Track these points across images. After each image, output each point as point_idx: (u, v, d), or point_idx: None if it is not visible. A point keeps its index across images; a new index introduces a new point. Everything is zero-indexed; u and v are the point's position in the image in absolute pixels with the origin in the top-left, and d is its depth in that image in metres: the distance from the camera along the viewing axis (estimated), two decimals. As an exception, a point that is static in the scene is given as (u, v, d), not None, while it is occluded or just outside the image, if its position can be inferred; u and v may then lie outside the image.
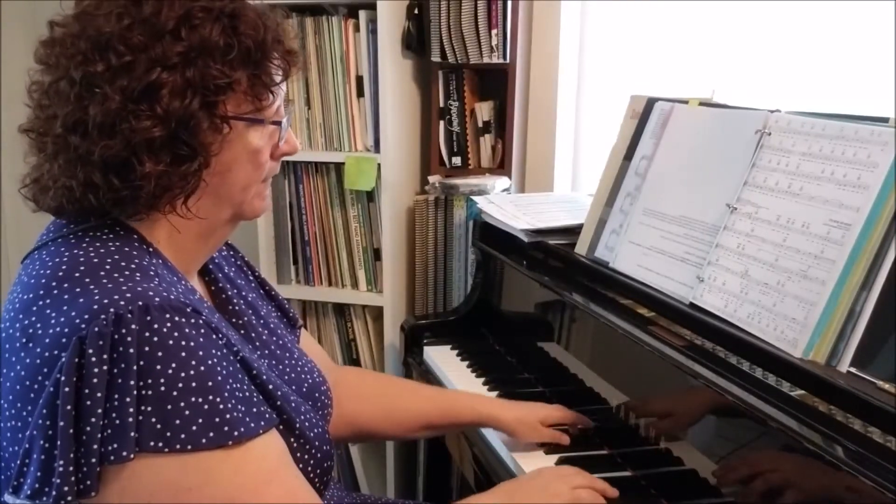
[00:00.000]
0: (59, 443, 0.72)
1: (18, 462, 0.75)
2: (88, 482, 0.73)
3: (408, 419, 1.23)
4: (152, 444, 0.73)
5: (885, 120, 0.98)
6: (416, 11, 1.91)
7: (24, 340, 0.77)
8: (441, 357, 1.65)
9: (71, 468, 0.72)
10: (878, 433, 0.80)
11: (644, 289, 1.21)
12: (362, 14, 1.85)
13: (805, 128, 1.05)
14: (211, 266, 1.02)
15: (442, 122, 1.98)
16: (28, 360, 0.76)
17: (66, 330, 0.75)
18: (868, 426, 0.81)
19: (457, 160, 2.00)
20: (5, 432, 0.79)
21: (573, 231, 1.46)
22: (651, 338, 1.12)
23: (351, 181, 1.91)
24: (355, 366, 2.09)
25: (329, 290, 2.06)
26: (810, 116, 1.06)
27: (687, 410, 1.08)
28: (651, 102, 1.36)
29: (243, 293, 1.04)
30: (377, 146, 1.90)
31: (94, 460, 0.72)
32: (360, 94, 1.91)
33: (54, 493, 0.72)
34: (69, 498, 0.73)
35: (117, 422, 0.73)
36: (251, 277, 1.11)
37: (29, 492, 0.74)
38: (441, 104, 1.97)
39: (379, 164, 1.89)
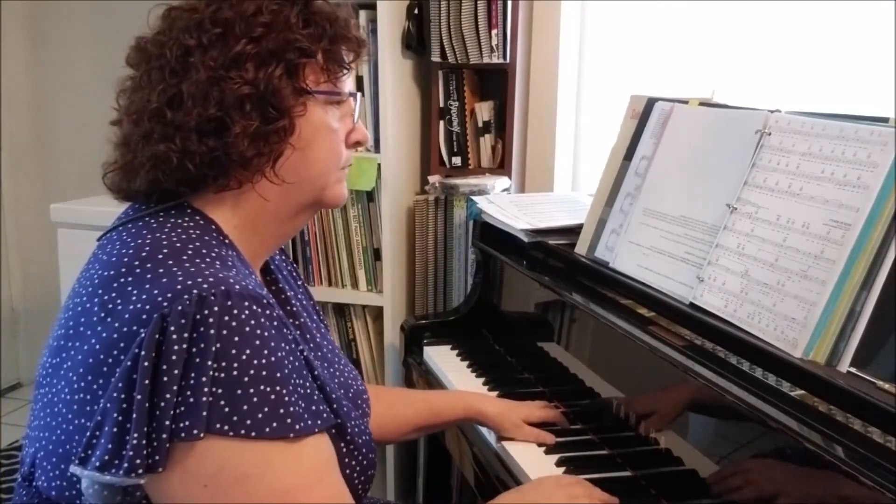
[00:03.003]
0: (134, 416, 0.73)
1: (88, 434, 0.76)
2: (157, 457, 0.74)
3: (401, 424, 1.27)
4: (218, 426, 0.74)
5: (885, 120, 0.98)
6: (416, 11, 1.91)
7: (102, 315, 0.79)
8: (441, 357, 1.65)
9: (143, 441, 0.73)
10: (878, 433, 0.80)
11: (644, 289, 1.21)
12: (362, 14, 1.85)
13: (805, 128, 1.05)
14: (272, 266, 1.05)
15: (442, 122, 1.98)
16: (105, 334, 0.78)
17: (148, 307, 0.76)
18: (868, 426, 0.81)
19: (457, 160, 2.00)
20: (71, 405, 0.80)
21: (573, 231, 1.46)
22: (651, 338, 1.12)
23: (351, 181, 1.90)
24: (355, 367, 2.08)
25: (329, 290, 2.05)
26: (810, 116, 1.06)
27: (682, 403, 1.08)
28: (651, 102, 1.36)
29: (298, 295, 1.07)
30: (377, 146, 1.90)
31: (164, 436, 0.73)
32: (360, 93, 1.90)
33: (126, 464, 0.73)
34: (140, 471, 0.73)
35: (191, 400, 0.74)
36: (299, 283, 1.14)
37: (98, 463, 0.74)
38: (441, 104, 1.97)
39: (379, 164, 1.89)
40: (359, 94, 0.99)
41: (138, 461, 0.73)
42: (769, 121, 1.11)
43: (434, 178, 1.96)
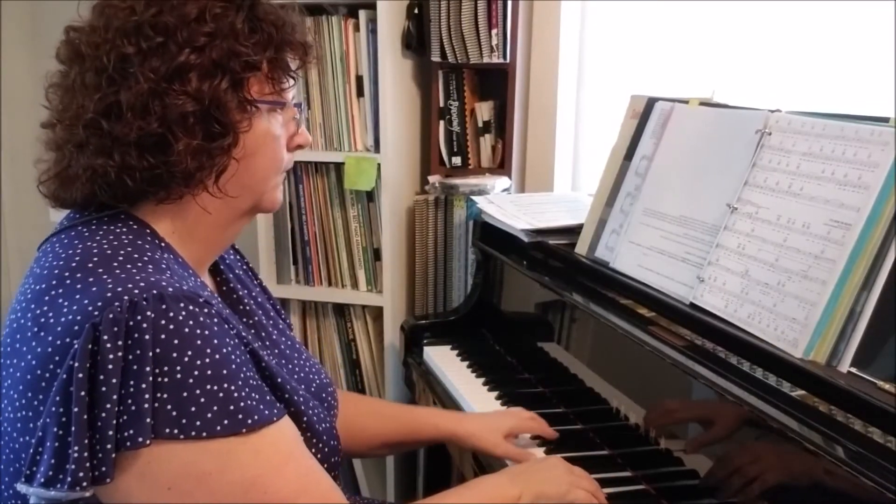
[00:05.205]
0: (73, 429, 0.72)
1: (31, 451, 0.75)
2: (103, 468, 0.73)
3: (367, 438, 1.21)
4: (168, 430, 0.74)
5: (885, 120, 0.98)
6: (416, 11, 1.91)
7: (35, 329, 0.78)
8: (441, 357, 1.65)
9: (85, 454, 0.72)
10: (878, 433, 0.80)
11: (644, 289, 1.21)
12: (362, 14, 1.85)
13: (805, 128, 1.05)
14: (222, 266, 1.04)
15: (442, 122, 1.98)
16: (39, 349, 0.77)
17: (79, 317, 0.75)
18: (868, 426, 0.81)
19: (457, 160, 1.99)
20: (15, 423, 0.79)
21: (573, 231, 1.46)
22: (651, 338, 1.12)
23: (351, 181, 1.91)
24: (355, 367, 2.09)
25: (329, 290, 2.05)
26: (811, 116, 1.06)
27: (693, 415, 1.08)
28: (651, 102, 1.36)
29: (253, 294, 1.06)
30: (377, 146, 1.90)
31: (108, 446, 0.73)
32: (360, 93, 1.91)
33: (69, 479, 0.72)
34: (84, 484, 0.73)
35: (133, 408, 0.73)
36: (255, 282, 1.13)
37: (42, 479, 0.74)
38: (441, 104, 1.97)
39: (379, 164, 1.89)
40: (303, 104, 0.96)
41: (81, 474, 0.72)
42: (769, 120, 1.11)
43: (434, 178, 1.96)
